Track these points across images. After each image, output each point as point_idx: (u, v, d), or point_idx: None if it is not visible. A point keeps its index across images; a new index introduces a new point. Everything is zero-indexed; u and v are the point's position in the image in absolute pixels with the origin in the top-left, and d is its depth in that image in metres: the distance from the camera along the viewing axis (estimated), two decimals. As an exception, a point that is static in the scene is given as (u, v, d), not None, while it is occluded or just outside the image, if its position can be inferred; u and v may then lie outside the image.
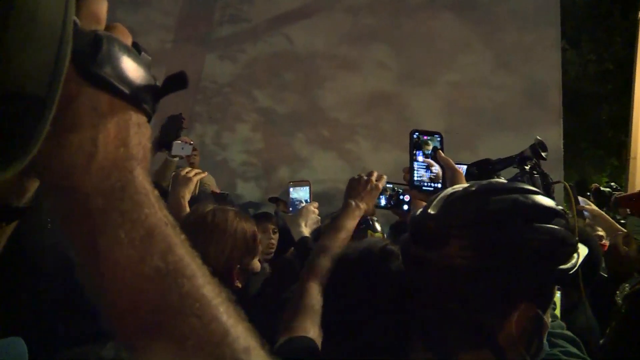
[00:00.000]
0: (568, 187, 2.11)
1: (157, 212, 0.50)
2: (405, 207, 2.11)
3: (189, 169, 2.61)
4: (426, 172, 1.63)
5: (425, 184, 1.62)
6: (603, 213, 3.97)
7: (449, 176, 1.57)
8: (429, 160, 1.63)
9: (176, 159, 3.51)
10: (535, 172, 2.03)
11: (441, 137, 1.66)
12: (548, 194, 1.65)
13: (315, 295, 1.50)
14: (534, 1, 6.63)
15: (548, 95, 6.46)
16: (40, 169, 0.44)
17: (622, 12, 13.03)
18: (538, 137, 2.21)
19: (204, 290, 0.50)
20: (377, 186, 1.86)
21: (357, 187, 1.85)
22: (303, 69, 6.76)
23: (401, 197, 2.12)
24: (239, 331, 0.50)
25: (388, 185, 2.03)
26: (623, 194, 4.48)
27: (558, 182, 1.66)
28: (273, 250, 3.50)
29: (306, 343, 1.33)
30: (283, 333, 1.37)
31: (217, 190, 4.13)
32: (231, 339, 0.49)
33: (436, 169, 1.63)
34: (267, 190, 6.17)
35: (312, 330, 1.37)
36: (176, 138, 3.01)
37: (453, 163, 1.61)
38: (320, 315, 1.42)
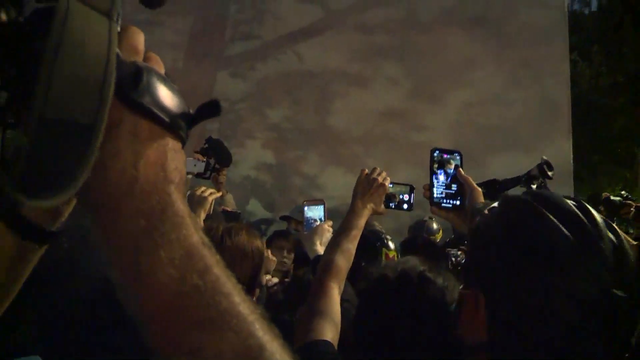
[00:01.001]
0: None
1: (194, 234, 0.51)
2: (406, 206, 2.12)
3: (204, 187, 2.63)
4: (445, 189, 1.67)
5: (445, 201, 1.66)
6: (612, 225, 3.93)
7: (468, 194, 1.61)
8: (449, 177, 1.67)
9: (189, 176, 3.54)
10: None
11: (461, 155, 1.71)
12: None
13: (333, 296, 1.52)
14: (542, 17, 6.65)
15: (558, 111, 6.46)
16: (84, 193, 0.46)
17: (633, 24, 13.00)
18: (544, 157, 2.24)
19: (240, 307, 0.51)
20: (382, 184, 1.86)
21: (363, 186, 1.85)
22: (314, 86, 6.81)
23: (401, 196, 2.14)
24: (274, 347, 0.52)
25: (389, 186, 2.03)
26: (632, 204, 4.43)
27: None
28: (287, 268, 3.51)
29: (325, 347, 1.34)
30: (301, 336, 1.38)
31: (234, 209, 4.15)
32: (268, 354, 0.50)
33: (455, 186, 1.67)
34: (278, 207, 6.19)
35: (330, 333, 1.38)
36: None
37: (472, 181, 1.65)
38: (338, 316, 1.45)
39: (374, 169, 1.91)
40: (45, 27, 0.40)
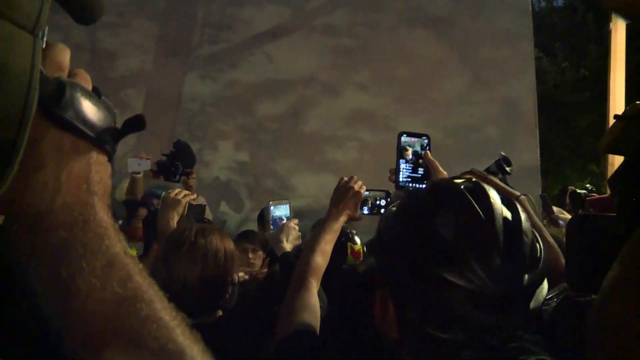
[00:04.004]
0: (531, 198, 2.17)
1: (117, 244, 0.52)
2: (382, 211, 2.16)
3: (178, 190, 2.59)
4: (412, 173, 1.68)
5: (411, 184, 1.67)
6: None
7: (434, 177, 1.63)
8: (414, 161, 1.69)
9: (140, 175, 3.54)
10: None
11: (428, 138, 1.73)
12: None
13: (313, 291, 1.59)
14: (507, 18, 6.74)
15: (524, 110, 6.57)
16: (6, 206, 0.47)
17: (595, 22, 13.27)
18: (502, 153, 2.29)
19: (161, 314, 0.53)
20: (358, 192, 1.92)
21: (340, 193, 1.91)
22: (284, 87, 6.82)
23: (377, 202, 2.18)
24: (194, 351, 0.54)
25: (366, 193, 2.08)
26: (597, 196, 4.53)
27: (524, 194, 1.71)
28: (254, 268, 3.51)
29: (308, 338, 1.38)
30: (284, 329, 1.43)
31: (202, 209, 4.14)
32: (187, 358, 0.52)
33: (422, 170, 1.68)
34: (249, 209, 6.19)
35: (312, 325, 1.43)
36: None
37: (438, 165, 1.66)
38: (318, 309, 1.52)
39: (350, 178, 1.96)
40: None
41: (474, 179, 1.52)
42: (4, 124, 0.42)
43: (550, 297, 1.38)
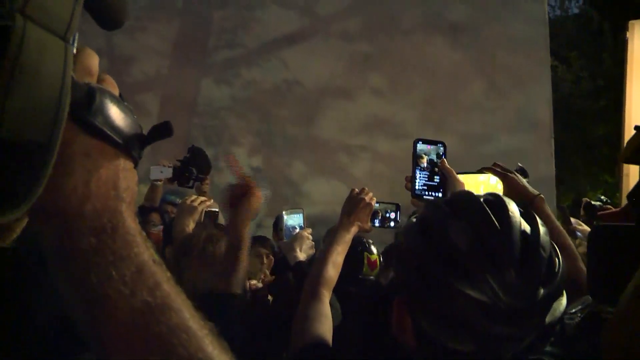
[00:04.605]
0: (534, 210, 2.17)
1: (145, 251, 0.53)
2: (392, 224, 2.17)
3: (195, 196, 2.62)
4: (428, 181, 1.65)
5: (427, 193, 1.65)
6: None
7: (450, 186, 1.61)
8: (430, 169, 1.66)
9: (160, 182, 3.55)
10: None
11: (444, 146, 1.70)
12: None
13: (325, 302, 1.61)
14: (523, 25, 6.72)
15: (539, 119, 6.53)
16: (36, 211, 0.46)
17: (611, 31, 13.17)
18: (519, 164, 2.27)
19: (190, 322, 0.53)
20: (369, 204, 1.94)
21: (351, 204, 1.93)
22: (299, 93, 6.83)
23: (387, 215, 2.19)
24: None
25: (376, 205, 2.09)
26: (612, 208, 4.52)
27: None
28: (267, 275, 3.53)
29: (322, 349, 1.40)
30: (297, 339, 1.45)
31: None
32: None
33: (437, 178, 1.66)
34: (264, 213, 6.19)
35: (326, 335, 1.45)
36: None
37: (455, 173, 1.64)
38: (330, 320, 1.54)
39: (362, 189, 1.98)
40: (1, 48, 0.40)
41: (495, 177, 1.52)
42: (37, 129, 0.42)
43: (575, 311, 1.36)
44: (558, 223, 1.70)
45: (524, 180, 1.75)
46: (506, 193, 1.71)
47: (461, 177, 1.70)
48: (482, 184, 1.77)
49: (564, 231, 1.66)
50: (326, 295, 1.64)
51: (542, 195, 1.70)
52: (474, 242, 0.86)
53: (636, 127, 1.07)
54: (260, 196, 1.72)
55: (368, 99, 6.72)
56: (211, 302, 1.70)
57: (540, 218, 1.63)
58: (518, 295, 0.83)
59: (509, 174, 1.75)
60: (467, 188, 1.69)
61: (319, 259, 1.82)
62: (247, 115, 6.87)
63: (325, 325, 1.50)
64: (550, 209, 1.71)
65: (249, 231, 1.75)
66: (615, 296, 0.94)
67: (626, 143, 1.14)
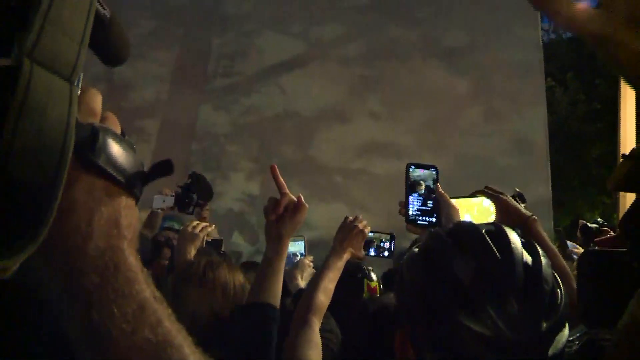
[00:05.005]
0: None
1: (147, 288, 0.53)
2: (387, 253, 2.18)
3: (196, 223, 2.60)
4: (422, 206, 1.66)
5: (421, 218, 1.65)
6: None
7: (444, 211, 1.62)
8: (425, 194, 1.67)
9: (159, 210, 3.57)
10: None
11: (437, 170, 1.70)
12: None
13: (315, 329, 1.61)
14: (519, 51, 6.77)
15: (535, 142, 6.56)
16: (38, 248, 0.46)
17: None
18: (517, 189, 2.30)
19: (191, 358, 0.54)
20: (362, 231, 1.94)
21: (344, 231, 1.94)
22: (297, 118, 6.87)
23: (382, 244, 2.20)
24: None
25: (370, 235, 2.09)
26: (609, 230, 4.51)
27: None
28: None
29: None
30: None
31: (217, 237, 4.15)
32: None
33: (431, 203, 1.66)
34: (264, 239, 6.18)
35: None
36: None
37: (448, 198, 1.65)
38: (320, 347, 1.55)
39: (355, 217, 1.99)
40: (7, 91, 0.41)
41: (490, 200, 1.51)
42: (42, 170, 0.43)
43: (572, 339, 1.36)
44: (552, 244, 1.70)
45: (515, 202, 1.77)
46: (499, 214, 1.73)
47: (454, 202, 1.72)
48: (475, 206, 1.78)
49: (558, 253, 1.65)
50: (316, 323, 1.64)
51: (534, 217, 1.71)
52: (477, 275, 0.85)
53: (624, 156, 1.10)
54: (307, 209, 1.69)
55: (366, 123, 6.75)
56: (249, 312, 1.66)
57: (534, 238, 1.64)
58: (521, 329, 0.83)
59: (500, 195, 1.76)
60: (461, 212, 1.71)
61: (310, 285, 1.82)
62: (246, 141, 6.90)
63: (314, 351, 1.51)
64: (545, 231, 1.72)
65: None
66: (604, 321, 0.95)
67: (614, 171, 1.16)
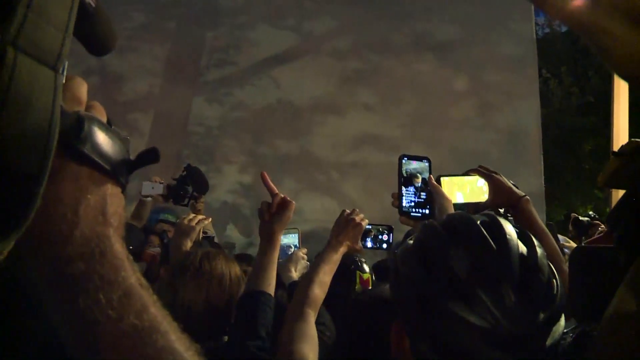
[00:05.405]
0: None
1: (132, 275, 0.54)
2: (385, 245, 2.17)
3: (193, 216, 2.59)
4: (415, 197, 1.65)
5: (414, 210, 1.65)
6: None
7: (438, 203, 1.62)
8: (418, 185, 1.67)
9: (149, 198, 3.55)
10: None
11: (429, 161, 1.70)
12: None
13: (311, 322, 1.60)
14: (512, 44, 6.79)
15: (528, 136, 6.58)
16: (25, 238, 0.46)
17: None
18: (511, 182, 2.30)
19: (176, 344, 0.54)
20: (359, 224, 1.94)
21: (341, 225, 1.93)
22: (290, 111, 6.86)
23: (380, 236, 2.19)
24: None
25: (368, 227, 2.09)
26: (600, 224, 4.54)
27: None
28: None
29: None
30: (282, 357, 1.46)
31: (212, 234, 4.14)
32: None
33: (424, 194, 1.66)
34: (256, 232, 6.18)
35: (311, 353, 1.46)
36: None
37: (442, 189, 1.65)
38: (316, 339, 1.54)
39: (352, 210, 1.98)
40: None
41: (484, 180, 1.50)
42: (27, 159, 0.43)
43: (566, 331, 1.36)
44: (543, 225, 1.69)
45: (510, 182, 1.77)
46: (492, 194, 1.73)
47: (448, 179, 1.73)
48: (468, 185, 1.78)
49: (549, 233, 1.64)
50: (312, 315, 1.63)
51: (527, 197, 1.70)
52: (472, 266, 0.85)
53: (613, 153, 1.10)
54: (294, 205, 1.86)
55: (359, 116, 6.75)
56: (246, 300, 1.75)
57: (527, 219, 1.64)
58: (518, 320, 0.82)
59: (494, 175, 1.76)
60: (453, 190, 1.72)
61: (305, 278, 1.82)
62: (239, 133, 6.89)
63: (310, 345, 1.50)
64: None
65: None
66: (594, 315, 0.95)
67: (604, 168, 1.16)
